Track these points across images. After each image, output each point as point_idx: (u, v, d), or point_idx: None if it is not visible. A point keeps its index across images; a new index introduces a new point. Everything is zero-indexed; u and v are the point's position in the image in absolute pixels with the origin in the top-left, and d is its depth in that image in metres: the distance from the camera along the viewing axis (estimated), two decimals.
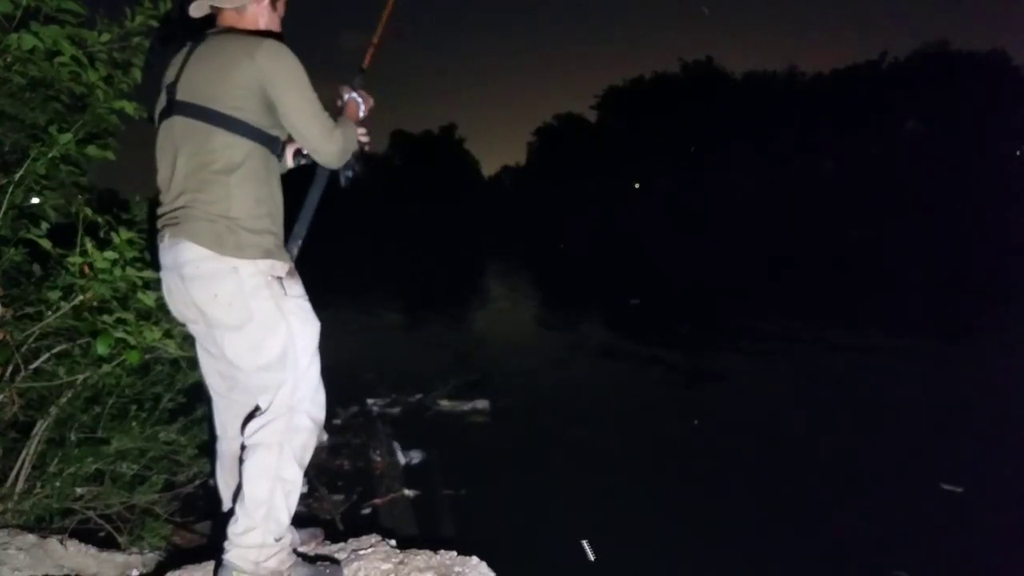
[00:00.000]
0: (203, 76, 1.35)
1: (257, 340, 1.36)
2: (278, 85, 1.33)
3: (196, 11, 1.44)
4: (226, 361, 1.43)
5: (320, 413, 1.45)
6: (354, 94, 1.61)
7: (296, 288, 1.43)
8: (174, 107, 1.38)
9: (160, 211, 1.42)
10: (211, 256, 1.32)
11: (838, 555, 2.77)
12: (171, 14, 1.92)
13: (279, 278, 1.38)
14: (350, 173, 1.60)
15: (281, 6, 1.53)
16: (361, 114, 1.61)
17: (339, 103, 1.60)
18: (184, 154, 1.36)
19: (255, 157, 1.37)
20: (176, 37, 1.52)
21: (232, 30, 1.42)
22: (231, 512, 1.43)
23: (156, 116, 1.45)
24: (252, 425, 1.40)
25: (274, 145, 1.41)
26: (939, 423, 4.27)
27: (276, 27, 1.51)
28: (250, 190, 1.36)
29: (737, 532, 2.93)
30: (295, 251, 1.51)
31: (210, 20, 1.48)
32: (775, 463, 3.68)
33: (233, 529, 1.39)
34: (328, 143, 1.42)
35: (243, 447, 1.42)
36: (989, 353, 6.21)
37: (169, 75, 1.43)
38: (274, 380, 1.38)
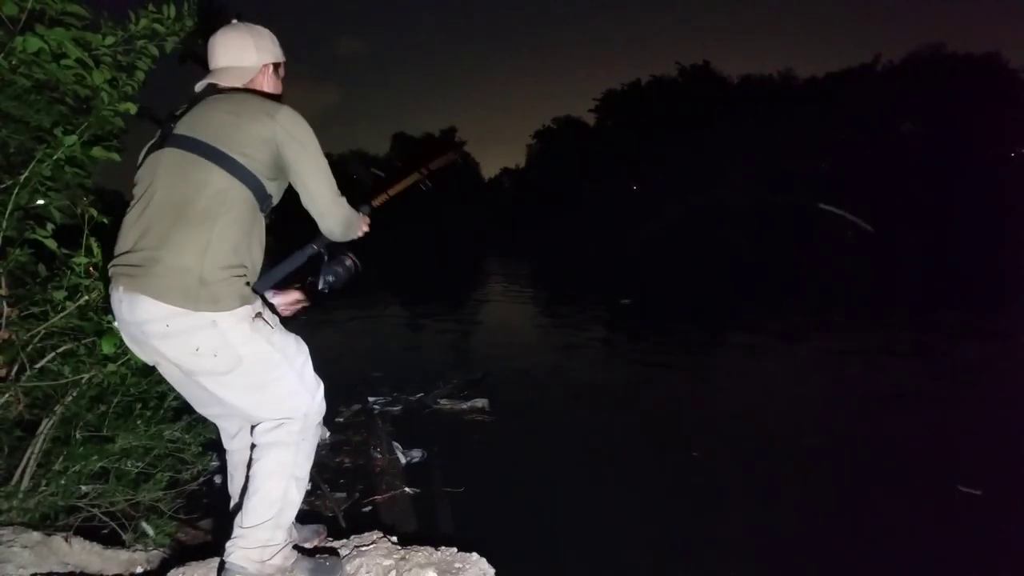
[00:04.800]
0: (215, 119, 1.32)
1: (259, 381, 1.33)
2: (295, 146, 1.35)
3: (201, 87, 1.46)
4: (218, 402, 1.39)
5: (323, 410, 1.47)
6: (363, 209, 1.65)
7: (275, 317, 1.41)
8: (168, 139, 1.32)
9: (118, 252, 1.30)
10: (182, 313, 1.22)
11: (852, 558, 2.72)
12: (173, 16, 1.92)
13: (259, 314, 1.33)
14: (331, 278, 1.59)
15: (282, 69, 1.55)
16: (359, 232, 1.62)
17: None
18: (165, 187, 1.27)
19: (246, 206, 1.31)
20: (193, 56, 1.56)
21: (245, 90, 1.44)
22: (238, 508, 1.44)
23: (143, 153, 1.40)
24: (266, 425, 1.40)
25: (266, 203, 1.37)
26: (951, 425, 4.20)
27: (278, 92, 1.53)
28: (231, 237, 1.28)
29: (741, 532, 2.90)
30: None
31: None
32: (781, 464, 3.63)
33: (240, 526, 1.39)
34: (336, 207, 1.44)
35: (253, 446, 1.42)
36: (992, 354, 6.23)
37: (170, 116, 1.40)
38: (288, 403, 1.38)
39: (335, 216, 1.46)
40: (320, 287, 1.60)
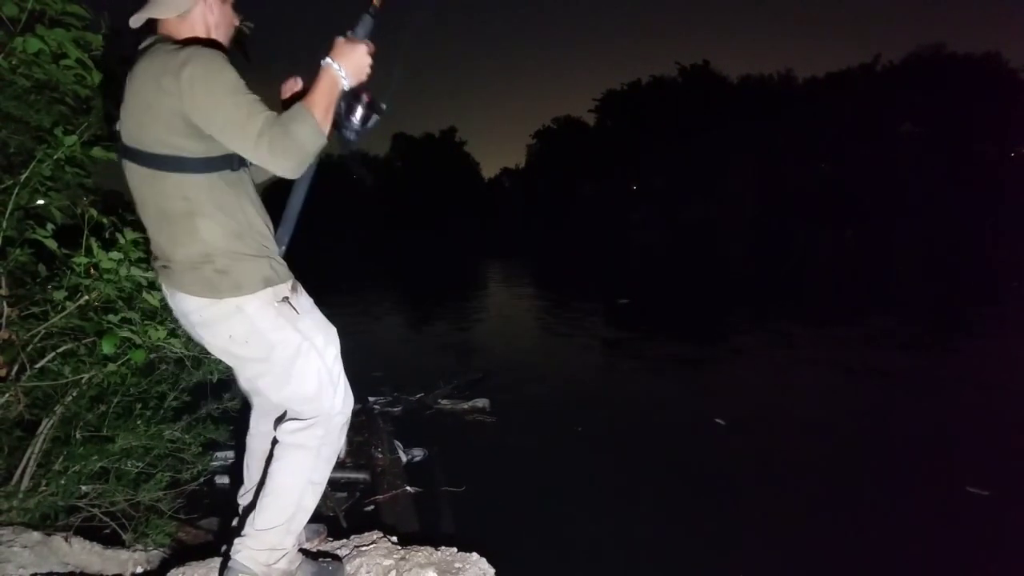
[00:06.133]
0: (132, 116, 1.22)
1: (287, 370, 1.32)
2: (194, 106, 1.14)
3: (135, 22, 1.26)
4: (257, 389, 1.44)
5: (350, 409, 1.44)
6: (328, 58, 1.24)
7: (305, 302, 1.37)
8: (123, 151, 1.27)
9: (152, 254, 1.37)
10: (209, 303, 1.25)
11: (857, 558, 2.69)
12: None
13: (286, 299, 1.31)
14: (351, 134, 1.33)
15: None
16: (344, 85, 1.25)
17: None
18: (144, 200, 1.27)
19: (215, 189, 1.23)
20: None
21: (161, 40, 1.24)
22: (249, 508, 1.42)
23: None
24: (291, 425, 1.37)
25: (231, 162, 1.24)
26: (956, 425, 4.17)
27: (228, 21, 1.34)
28: (223, 224, 1.24)
29: (744, 534, 2.89)
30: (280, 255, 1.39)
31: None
32: (783, 465, 3.61)
33: (252, 527, 1.37)
34: (266, 154, 1.15)
35: (275, 443, 1.40)
36: (995, 354, 6.20)
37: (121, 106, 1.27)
38: (314, 396, 1.36)
39: (272, 165, 1.18)
40: (345, 147, 1.36)
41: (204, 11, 1.29)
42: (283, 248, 1.43)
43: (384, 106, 1.35)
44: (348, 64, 1.25)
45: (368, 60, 1.29)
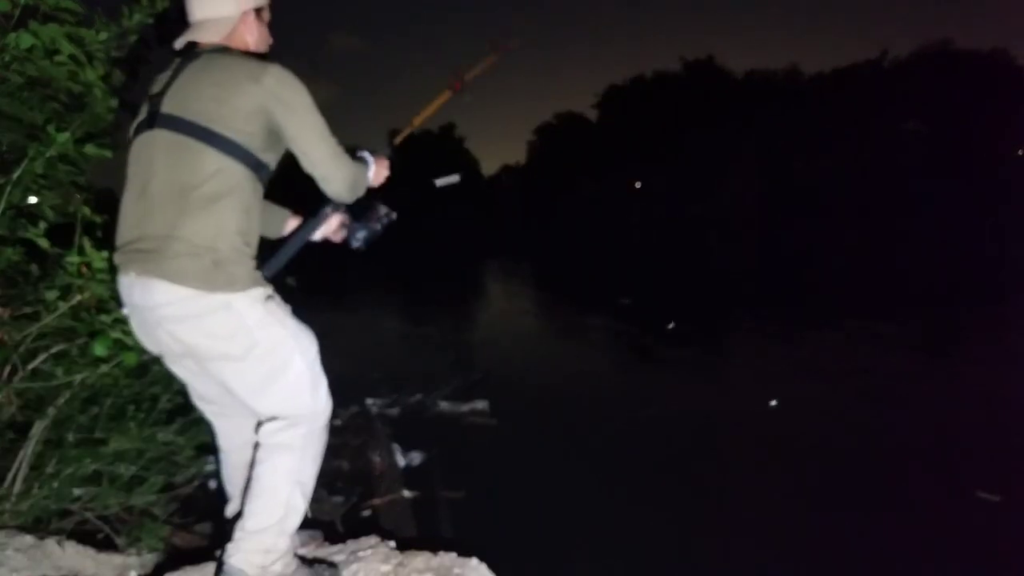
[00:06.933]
0: (201, 93, 1.26)
1: (272, 367, 1.31)
2: (286, 108, 1.28)
3: (180, 44, 1.38)
4: (227, 394, 1.39)
5: (330, 410, 1.44)
6: (366, 153, 1.54)
7: (285, 305, 1.39)
8: (157, 119, 1.27)
9: (124, 238, 1.28)
10: (197, 295, 1.22)
11: (867, 566, 2.67)
12: (169, 13, 1.90)
13: (270, 297, 1.33)
14: (364, 233, 1.56)
15: (266, 13, 1.46)
16: (369, 176, 1.53)
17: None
18: (163, 171, 1.24)
19: (246, 184, 1.28)
20: (170, 37, 1.47)
21: (227, 49, 1.36)
22: (238, 516, 1.40)
23: (132, 130, 1.35)
24: (272, 426, 1.37)
25: (263, 172, 1.33)
26: (965, 427, 4.13)
27: (265, 39, 1.46)
28: (237, 219, 1.26)
29: (747, 540, 2.86)
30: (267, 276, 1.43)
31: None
32: (788, 468, 3.58)
33: (243, 530, 1.35)
34: (337, 168, 1.36)
35: (257, 446, 1.39)
36: (1003, 354, 6.16)
37: (153, 88, 1.34)
38: (296, 394, 1.36)
39: (337, 179, 1.38)
40: (355, 246, 1.55)
41: (244, 32, 1.41)
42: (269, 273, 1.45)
43: (395, 215, 1.64)
44: (377, 164, 1.57)
45: (386, 174, 1.59)
